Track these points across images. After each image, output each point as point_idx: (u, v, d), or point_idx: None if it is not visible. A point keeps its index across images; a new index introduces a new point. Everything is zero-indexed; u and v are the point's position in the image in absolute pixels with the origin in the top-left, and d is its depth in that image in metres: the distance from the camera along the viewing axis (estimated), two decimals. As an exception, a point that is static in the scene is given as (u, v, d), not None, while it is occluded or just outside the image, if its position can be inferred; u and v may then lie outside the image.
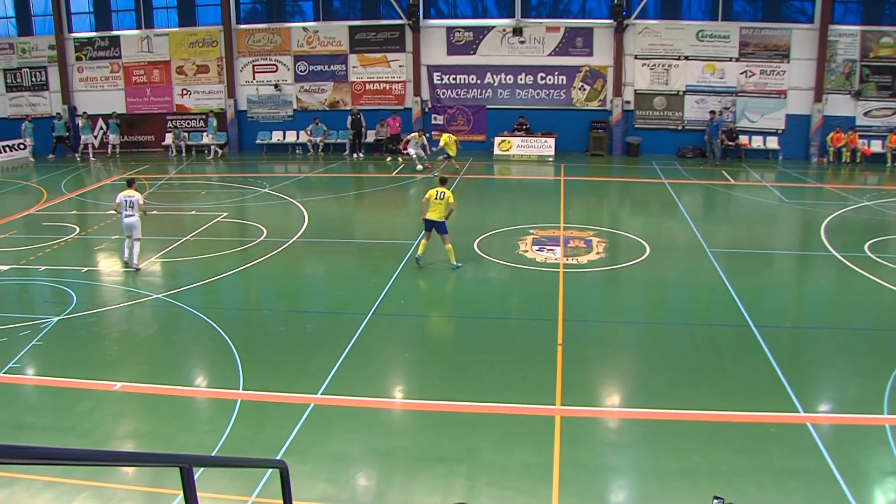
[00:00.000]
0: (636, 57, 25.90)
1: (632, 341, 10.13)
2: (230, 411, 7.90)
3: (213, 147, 27.44)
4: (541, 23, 26.34)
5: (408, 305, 11.48)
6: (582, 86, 26.46)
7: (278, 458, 6.81)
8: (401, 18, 26.63)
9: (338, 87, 27.72)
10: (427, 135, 25.08)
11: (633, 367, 9.23)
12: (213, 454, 7.03)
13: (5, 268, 13.23)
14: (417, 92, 27.12)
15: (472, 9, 27.11)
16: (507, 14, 26.56)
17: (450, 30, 26.73)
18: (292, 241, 14.89)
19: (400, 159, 24.91)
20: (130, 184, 13.43)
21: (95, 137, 27.97)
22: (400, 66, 27.21)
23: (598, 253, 13.87)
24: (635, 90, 26.18)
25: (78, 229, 16.15)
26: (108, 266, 13.64)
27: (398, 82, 27.39)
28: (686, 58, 25.59)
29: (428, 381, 8.78)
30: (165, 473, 6.40)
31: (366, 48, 27.20)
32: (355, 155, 26.63)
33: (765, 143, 25.61)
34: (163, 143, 28.64)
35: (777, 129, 25.55)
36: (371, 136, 27.00)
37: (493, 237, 15.03)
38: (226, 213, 17.52)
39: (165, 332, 10.50)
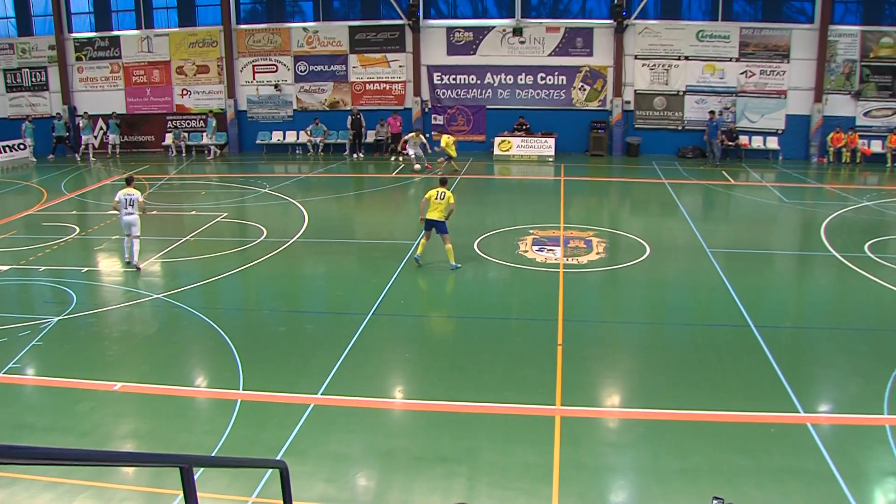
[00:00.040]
0: (636, 57, 25.90)
1: (632, 341, 10.13)
2: (230, 411, 7.90)
3: (211, 147, 27.43)
4: (541, 23, 26.34)
5: (408, 305, 11.48)
6: (582, 86, 26.46)
7: (278, 458, 6.81)
8: (401, 18, 26.64)
9: (338, 87, 27.72)
10: (427, 135, 25.10)
11: (633, 367, 9.23)
12: (213, 454, 7.03)
13: (5, 268, 13.23)
14: (417, 92, 27.12)
15: (472, 9, 27.12)
16: (507, 14, 26.57)
17: (450, 30, 26.73)
18: (292, 241, 14.90)
19: (401, 159, 24.91)
20: (129, 182, 13.42)
21: (95, 138, 27.96)
22: (400, 66, 27.22)
23: (598, 253, 13.87)
24: (635, 90, 26.18)
25: (78, 229, 16.15)
26: (108, 266, 13.64)
27: (398, 82, 27.39)
28: (686, 58, 25.60)
29: (428, 381, 8.78)
30: (165, 473, 6.40)
31: (366, 48, 27.20)
32: (355, 155, 26.63)
33: (765, 144, 25.62)
34: (163, 144, 28.65)
35: (777, 130, 25.56)
36: (371, 137, 27.00)
37: (493, 237, 15.03)
38: (226, 214, 17.52)
39: (165, 332, 10.50)
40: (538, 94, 26.77)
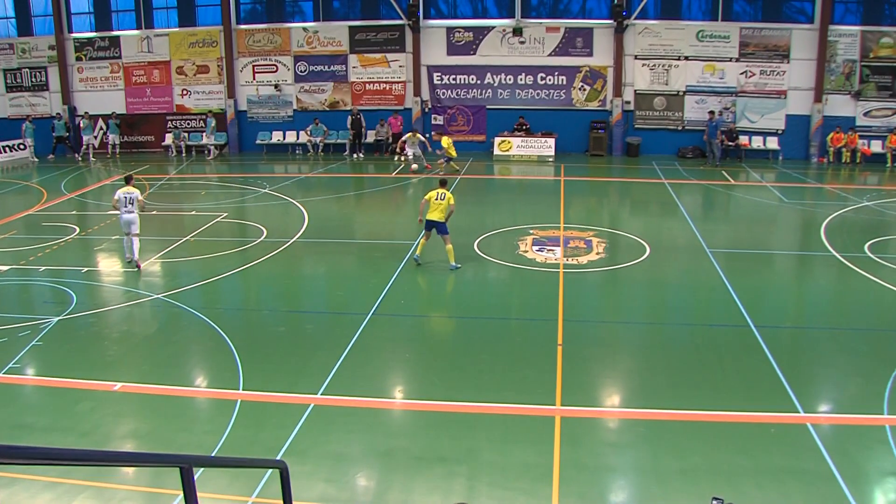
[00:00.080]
0: (636, 57, 25.90)
1: (632, 341, 10.13)
2: (230, 411, 7.90)
3: (210, 147, 27.42)
4: (541, 23, 26.34)
5: (408, 305, 11.48)
6: (582, 86, 26.46)
7: (278, 458, 6.81)
8: (401, 19, 26.64)
9: (338, 87, 27.72)
10: (427, 135, 25.11)
11: (633, 367, 9.23)
12: (213, 454, 7.03)
13: (5, 268, 13.23)
14: (417, 92, 27.12)
15: (472, 9, 27.12)
16: (507, 14, 26.57)
17: (450, 30, 26.73)
18: (292, 241, 14.90)
19: (402, 159, 24.91)
20: (129, 180, 13.44)
21: (95, 138, 27.96)
22: (400, 66, 27.22)
23: (598, 253, 13.87)
24: (635, 90, 26.18)
25: (78, 229, 16.15)
26: (108, 266, 13.64)
27: (398, 82, 27.39)
28: (686, 58, 25.60)
29: (428, 381, 8.78)
30: (165, 473, 6.40)
31: (366, 48, 27.20)
32: (355, 155, 26.63)
33: (765, 144, 25.62)
34: (163, 144, 28.65)
35: (777, 130, 25.56)
36: (371, 137, 27.01)
37: (493, 237, 15.03)
38: (226, 214, 17.52)
39: (165, 332, 10.50)
40: (538, 94, 26.77)
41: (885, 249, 14.07)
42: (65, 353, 9.60)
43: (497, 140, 26.13)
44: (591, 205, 19.75)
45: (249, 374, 8.76)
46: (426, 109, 27.36)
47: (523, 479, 6.64)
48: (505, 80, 26.83)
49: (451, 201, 12.74)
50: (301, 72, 27.74)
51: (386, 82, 27.48)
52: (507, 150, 25.94)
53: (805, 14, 25.01)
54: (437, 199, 12.65)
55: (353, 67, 27.44)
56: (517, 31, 26.32)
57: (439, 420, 7.82)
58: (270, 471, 6.54)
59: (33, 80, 29.07)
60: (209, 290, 12.13)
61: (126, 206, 13.02)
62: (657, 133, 26.27)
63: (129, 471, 6.82)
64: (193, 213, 17.91)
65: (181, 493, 2.80)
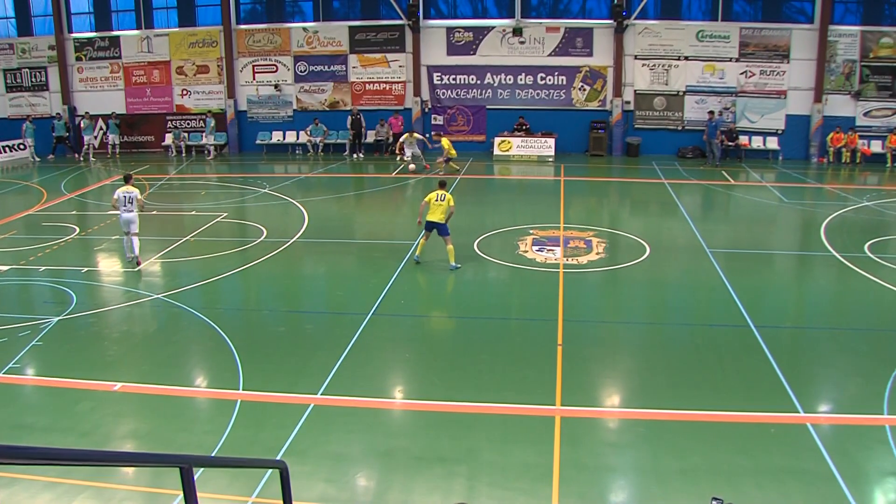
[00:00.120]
0: (636, 57, 25.90)
1: (632, 341, 10.13)
2: (230, 411, 7.90)
3: (209, 147, 27.40)
4: (541, 23, 26.34)
5: (408, 305, 11.48)
6: (582, 86, 26.46)
7: (278, 458, 6.81)
8: (401, 19, 26.64)
9: (338, 87, 27.72)
10: (428, 134, 25.11)
11: (633, 367, 9.23)
12: (213, 454, 7.03)
13: (5, 268, 13.23)
14: (417, 92, 27.12)
15: (472, 9, 27.12)
16: (507, 14, 26.57)
17: (450, 30, 26.73)
18: (292, 241, 14.90)
19: (402, 159, 24.89)
20: (128, 179, 13.44)
21: (95, 138, 27.96)
22: (400, 66, 27.22)
23: (598, 253, 13.87)
24: (635, 90, 26.18)
25: (78, 229, 16.15)
26: (108, 266, 13.64)
27: (398, 82, 27.39)
28: (686, 58, 25.60)
29: (428, 381, 8.78)
30: (165, 473, 6.40)
31: (366, 48, 27.20)
32: (355, 155, 26.63)
33: (765, 144, 25.62)
34: (163, 144, 28.65)
35: (777, 130, 25.56)
36: (371, 137, 27.01)
37: (492, 237, 15.03)
38: (226, 214, 17.52)
39: (165, 332, 10.50)
40: (538, 94, 26.77)
41: (885, 249, 14.07)
42: (65, 353, 9.60)
43: (497, 140, 26.13)
44: (590, 205, 19.75)
45: (249, 374, 8.76)
46: (426, 109, 27.36)
47: (523, 479, 6.64)
48: (505, 80, 26.83)
49: (451, 202, 12.76)
50: (301, 72, 27.74)
51: (386, 82, 27.48)
52: (507, 151, 25.94)
53: (805, 14, 25.01)
54: (437, 201, 12.67)
55: (353, 67, 27.44)
56: (517, 31, 26.31)
57: (439, 420, 7.82)
58: (270, 471, 6.54)
59: (33, 80, 29.07)
60: (209, 290, 12.13)
61: (125, 206, 13.04)
62: (657, 133, 26.27)
63: (129, 471, 6.82)
64: (193, 213, 17.91)
65: (181, 493, 2.80)
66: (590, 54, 26.17)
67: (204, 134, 27.75)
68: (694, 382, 8.58)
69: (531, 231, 15.37)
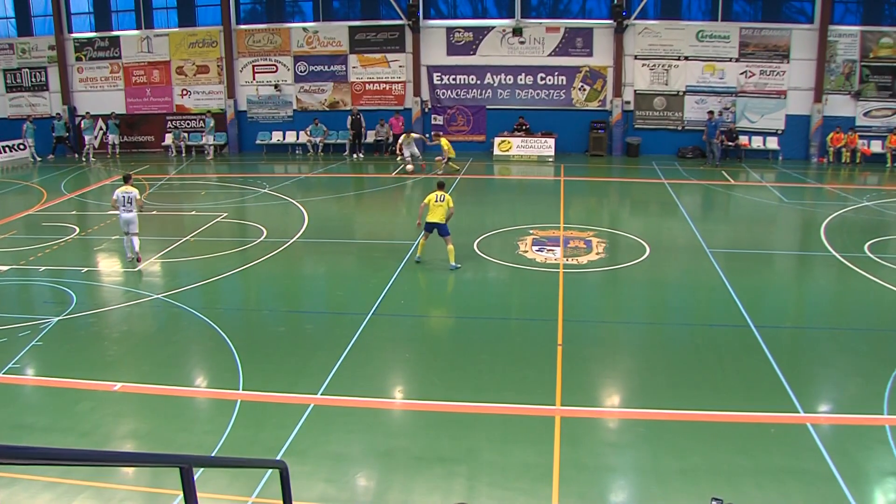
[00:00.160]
0: (636, 57, 25.90)
1: (632, 341, 10.13)
2: (230, 411, 7.90)
3: (207, 147, 27.39)
4: (541, 23, 26.34)
5: (408, 305, 11.48)
6: (582, 86, 26.46)
7: (278, 458, 6.81)
8: (401, 19, 26.64)
9: (338, 87, 27.72)
10: (428, 134, 25.11)
11: (633, 367, 9.23)
12: (213, 454, 7.03)
13: (5, 268, 13.23)
14: (417, 92, 27.12)
15: (472, 9, 27.11)
16: (506, 14, 26.56)
17: (450, 30, 26.73)
18: (292, 241, 14.90)
19: (401, 159, 24.88)
20: (127, 179, 13.46)
21: (95, 138, 27.96)
22: (400, 66, 27.21)
23: (597, 253, 13.87)
24: (635, 90, 26.18)
25: (78, 229, 16.15)
26: (108, 266, 13.64)
27: (398, 83, 27.39)
28: (686, 58, 25.59)
29: (427, 381, 8.78)
30: (165, 473, 6.40)
31: (366, 48, 27.20)
32: (355, 155, 26.63)
33: (765, 144, 25.61)
34: (163, 144, 28.64)
35: (777, 130, 25.56)
36: (371, 137, 27.01)
37: (492, 237, 15.03)
38: (226, 214, 17.52)
39: (165, 332, 10.50)
40: (538, 94, 26.77)
41: (885, 249, 14.07)
42: (65, 353, 9.60)
43: (497, 140, 26.12)
44: (590, 205, 19.75)
45: (249, 374, 8.76)
46: (426, 109, 27.36)
47: (523, 479, 6.64)
48: (505, 80, 26.83)
49: (451, 203, 12.80)
50: (301, 72, 27.74)
51: (386, 82, 27.47)
52: (507, 151, 25.94)
53: (805, 14, 25.01)
54: (436, 202, 12.69)
55: (353, 67, 27.44)
56: (517, 32, 26.31)
57: (439, 420, 7.82)
58: (270, 471, 6.54)
59: (33, 80, 29.07)
60: (209, 290, 12.13)
61: (124, 206, 13.05)
62: (657, 133, 26.27)
63: (129, 471, 6.82)
64: (193, 213, 17.91)
65: (181, 493, 2.80)
66: (590, 54, 26.17)
67: (203, 134, 27.74)
68: (694, 382, 8.59)
69: (531, 231, 15.37)
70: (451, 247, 12.76)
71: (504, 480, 6.64)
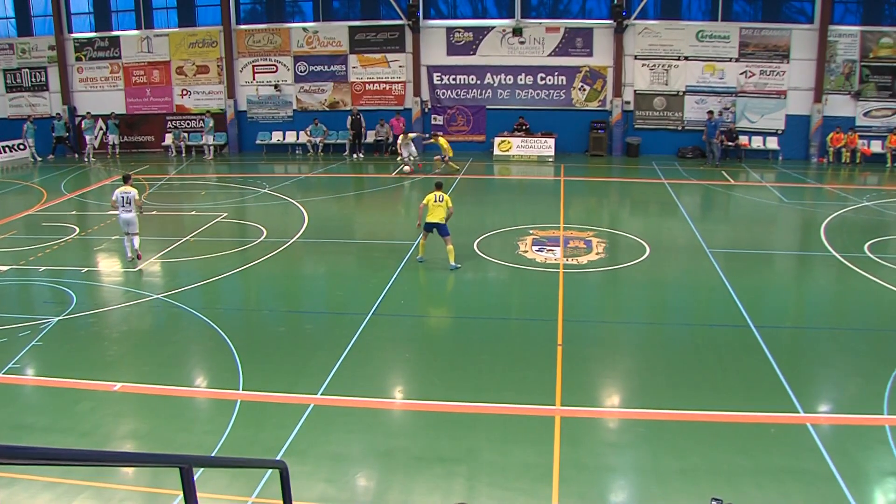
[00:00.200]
0: (636, 57, 25.90)
1: (632, 341, 10.12)
2: (230, 411, 7.90)
3: (206, 147, 27.38)
4: (541, 23, 26.34)
5: (408, 305, 11.48)
6: (582, 86, 26.46)
7: (278, 458, 6.81)
8: (401, 19, 26.63)
9: (338, 87, 27.72)
10: (427, 134, 25.12)
11: (633, 367, 9.23)
12: (213, 454, 7.03)
13: (5, 268, 13.23)
14: (417, 92, 27.12)
15: (472, 9, 27.11)
16: (506, 14, 26.56)
17: (450, 30, 26.73)
18: (292, 241, 14.90)
19: (400, 160, 24.88)
20: (126, 180, 13.47)
21: (95, 138, 27.97)
22: (400, 66, 27.21)
23: (597, 253, 13.87)
24: (635, 90, 26.18)
25: (78, 230, 16.15)
26: (108, 266, 13.64)
27: (398, 83, 27.39)
28: (686, 58, 25.59)
29: (427, 381, 8.78)
30: (165, 473, 6.40)
31: (366, 48, 27.20)
32: (355, 155, 26.63)
33: (765, 144, 25.61)
34: (163, 144, 28.64)
35: (777, 130, 25.56)
36: (371, 137, 27.01)
37: (492, 237, 15.03)
38: (226, 214, 17.52)
39: (165, 332, 10.50)
40: (538, 94, 26.77)
41: (885, 249, 14.07)
42: (65, 353, 9.60)
43: (497, 140, 26.12)
44: (590, 205, 19.75)
45: (249, 374, 8.76)
46: (426, 109, 27.35)
47: (523, 479, 6.64)
48: (505, 80, 26.83)
49: (450, 203, 12.81)
50: (301, 72, 27.74)
51: (386, 82, 27.47)
52: (507, 151, 25.94)
53: (805, 14, 25.00)
54: (436, 202, 12.70)
55: (353, 67, 27.44)
56: (517, 32, 26.31)
57: (439, 420, 7.82)
58: (270, 471, 6.54)
59: (33, 80, 29.06)
60: (209, 290, 12.13)
61: (123, 206, 13.06)
62: (657, 133, 26.27)
63: (129, 471, 6.82)
64: (193, 213, 17.91)
65: (181, 493, 2.80)
66: (590, 54, 26.16)
67: (203, 133, 27.73)
68: (694, 382, 8.59)
69: (531, 231, 15.37)
70: (450, 247, 12.76)
71: (504, 480, 6.64)
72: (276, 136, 28.19)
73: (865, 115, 24.94)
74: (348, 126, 26.79)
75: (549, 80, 26.56)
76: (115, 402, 8.29)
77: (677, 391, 8.36)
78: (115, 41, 28.34)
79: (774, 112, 25.42)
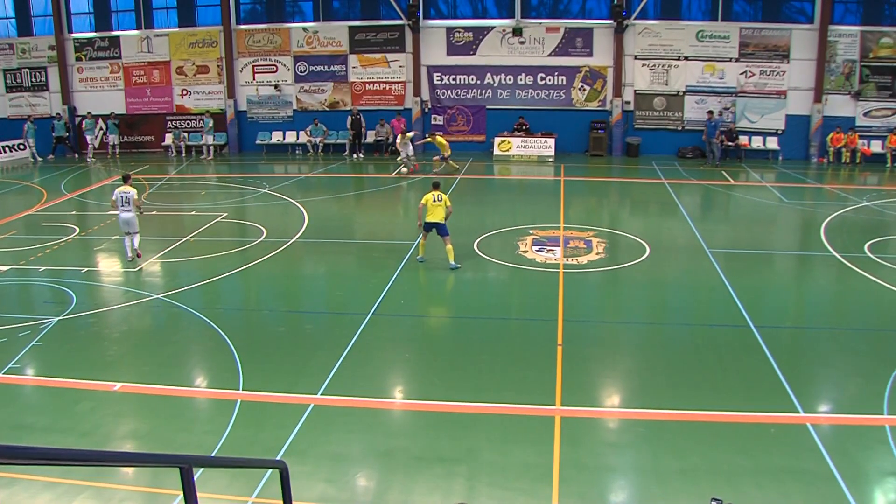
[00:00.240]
0: (636, 57, 25.90)
1: (632, 341, 10.12)
2: (230, 411, 7.90)
3: (206, 147, 27.37)
4: (541, 23, 26.34)
5: (408, 305, 11.48)
6: (582, 86, 26.46)
7: (278, 458, 6.81)
8: (401, 19, 26.63)
9: (338, 87, 27.72)
10: (425, 135, 25.12)
11: (633, 367, 9.22)
12: (213, 454, 7.03)
13: (5, 268, 13.23)
14: (417, 92, 27.12)
15: (472, 9, 27.11)
16: (506, 14, 26.56)
17: (450, 30, 26.73)
18: (292, 241, 14.90)
19: (400, 160, 24.88)
20: (126, 179, 13.48)
21: (95, 138, 27.97)
22: (400, 66, 27.21)
23: (597, 253, 13.87)
24: (635, 90, 26.17)
25: (78, 229, 16.15)
26: (108, 266, 13.64)
27: (398, 83, 27.39)
28: (686, 58, 25.59)
29: (427, 381, 8.78)
30: (165, 473, 6.40)
31: (366, 48, 27.20)
32: (355, 155, 26.63)
33: (765, 144, 25.61)
34: (163, 144, 28.64)
35: (777, 130, 25.56)
36: (371, 137, 27.01)
37: (492, 237, 15.03)
38: (226, 214, 17.52)
39: (165, 332, 10.50)
40: (538, 94, 26.77)
41: (885, 249, 14.07)
42: (65, 353, 9.60)
43: (497, 140, 26.12)
44: (590, 205, 19.75)
45: (249, 374, 8.76)
46: (426, 109, 27.35)
47: (523, 479, 6.64)
48: (505, 80, 26.83)
49: (448, 202, 12.81)
50: (301, 72, 27.74)
51: (386, 82, 27.47)
52: (507, 151, 25.94)
53: (805, 14, 25.01)
54: (434, 202, 12.69)
55: (353, 67, 27.44)
56: (517, 32, 26.31)
57: (439, 420, 7.82)
58: (270, 471, 6.54)
59: (33, 80, 29.07)
60: (209, 290, 12.14)
61: (122, 206, 13.06)
62: (657, 133, 26.27)
63: (129, 471, 6.82)
64: (193, 213, 17.91)
65: (181, 493, 2.80)
66: (590, 54, 26.17)
67: (203, 133, 27.73)
68: (694, 382, 8.58)
69: (531, 231, 15.37)
70: (450, 246, 12.76)
71: (504, 480, 6.64)
72: (276, 136, 28.19)
73: (865, 115, 24.94)
74: (348, 126, 26.79)
75: (549, 80, 26.56)
76: (115, 402, 8.29)
77: (677, 391, 8.36)
78: (115, 41, 28.35)
79: (774, 112, 25.42)
